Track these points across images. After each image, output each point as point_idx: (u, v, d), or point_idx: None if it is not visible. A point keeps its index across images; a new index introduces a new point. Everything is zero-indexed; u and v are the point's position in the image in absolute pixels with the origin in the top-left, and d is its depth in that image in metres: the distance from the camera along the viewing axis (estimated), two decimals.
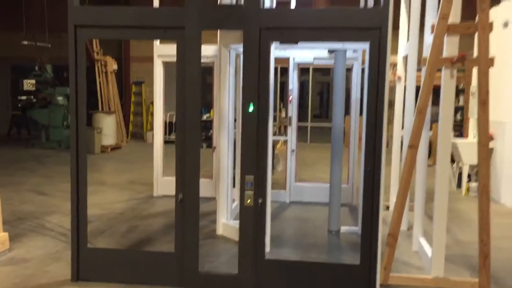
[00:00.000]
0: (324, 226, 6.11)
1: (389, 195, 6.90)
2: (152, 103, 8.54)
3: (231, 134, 5.96)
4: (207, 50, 6.86)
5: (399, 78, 6.67)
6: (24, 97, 14.03)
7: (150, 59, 7.98)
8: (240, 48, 4.93)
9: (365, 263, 3.96)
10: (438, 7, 4.21)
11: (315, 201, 7.38)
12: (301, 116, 18.47)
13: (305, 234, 6.01)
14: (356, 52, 6.87)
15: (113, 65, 14.64)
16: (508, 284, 4.52)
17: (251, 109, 3.92)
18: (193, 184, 4.03)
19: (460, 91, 11.46)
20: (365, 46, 5.52)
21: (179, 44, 3.97)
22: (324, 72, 22.23)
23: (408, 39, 6.04)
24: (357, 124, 6.96)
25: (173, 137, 12.33)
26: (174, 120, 4.20)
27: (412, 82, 5.81)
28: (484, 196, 4.11)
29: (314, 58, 7.11)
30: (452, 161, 9.01)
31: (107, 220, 6.30)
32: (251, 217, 4.00)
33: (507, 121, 7.60)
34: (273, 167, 8.42)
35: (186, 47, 3.94)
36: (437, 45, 4.08)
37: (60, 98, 13.23)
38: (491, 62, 4.03)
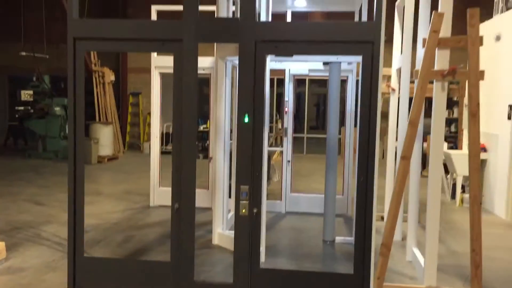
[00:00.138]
0: (319, 236, 6.17)
1: (384, 206, 6.94)
2: (149, 113, 8.63)
3: (227, 145, 6.03)
4: (204, 62, 6.97)
5: (393, 90, 6.77)
6: (21, 108, 14.07)
7: (147, 70, 8.06)
8: (236, 60, 5.01)
9: (359, 272, 4.01)
10: (430, 22, 4.31)
11: (310, 211, 7.44)
12: (298, 128, 18.64)
13: (300, 244, 6.06)
14: (351, 64, 6.99)
15: (110, 76, 14.72)
16: None
17: (246, 120, 3.99)
18: (189, 193, 4.09)
19: (455, 103, 11.59)
20: (359, 58, 5.62)
21: (177, 56, 4.05)
22: (320, 84, 22.39)
23: (401, 52, 6.15)
24: (352, 135, 7.04)
25: (169, 147, 12.39)
26: (171, 130, 4.27)
27: (405, 94, 5.90)
28: (475, 206, 4.17)
29: (310, 70, 7.23)
30: (446, 172, 9.09)
31: (103, 230, 6.33)
32: (246, 227, 4.06)
33: (499, 134, 7.70)
34: (269, 178, 8.48)
35: (183, 59, 4.02)
36: (428, 58, 4.17)
37: (57, 109, 13.28)
38: (481, 75, 4.12)
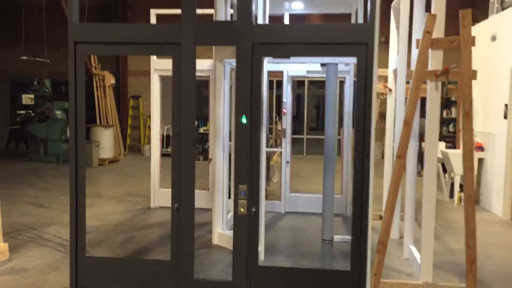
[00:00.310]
0: (318, 235, 6.24)
1: (382, 205, 7.02)
2: (149, 116, 8.71)
3: (226, 146, 6.10)
4: (203, 64, 7.05)
5: (390, 90, 6.85)
6: (23, 112, 14.17)
7: (147, 73, 8.13)
8: (234, 62, 5.10)
9: (356, 269, 4.08)
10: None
11: (309, 211, 7.51)
12: (298, 129, 18.69)
13: (299, 243, 6.13)
14: (348, 65, 7.07)
15: (111, 80, 14.82)
16: None
17: (244, 121, 4.07)
18: (189, 193, 4.16)
19: (453, 103, 11.66)
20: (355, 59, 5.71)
21: (175, 60, 4.14)
22: (320, 85, 22.45)
23: (398, 53, 6.23)
24: (350, 135, 7.12)
25: (170, 150, 12.47)
26: (171, 133, 4.35)
27: (401, 95, 5.98)
28: (470, 204, 4.25)
29: (308, 72, 7.32)
30: (445, 171, 9.17)
31: (104, 231, 6.41)
32: (245, 225, 4.13)
33: (496, 133, 7.77)
34: (269, 179, 8.56)
35: (182, 62, 4.10)
36: (422, 59, 4.26)
37: (58, 112, 13.38)
38: (474, 74, 4.20)
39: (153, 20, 7.87)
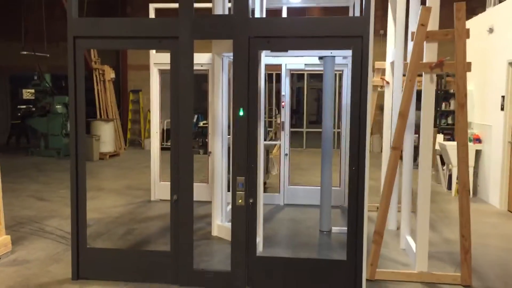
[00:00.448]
0: (316, 227, 6.32)
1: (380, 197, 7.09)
2: (149, 110, 8.76)
3: (225, 140, 6.16)
4: (202, 58, 7.09)
5: (388, 83, 6.89)
6: (23, 106, 14.24)
7: (147, 67, 8.17)
8: (232, 56, 5.15)
9: (352, 259, 4.16)
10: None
11: (308, 203, 7.58)
12: (298, 122, 18.73)
13: (297, 234, 6.21)
14: (346, 58, 7.11)
15: (110, 74, 14.86)
16: (491, 278, 4.72)
17: (241, 113, 4.14)
18: (187, 185, 4.24)
19: (452, 95, 11.69)
20: None
21: (173, 53, 4.20)
22: (320, 79, 22.41)
23: (395, 46, 6.27)
24: (348, 128, 7.16)
25: (169, 143, 12.52)
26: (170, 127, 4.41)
27: (398, 87, 6.03)
28: (464, 194, 4.33)
29: (306, 65, 7.36)
30: (443, 163, 9.23)
31: (105, 224, 6.49)
32: (243, 216, 4.21)
33: (493, 124, 7.83)
34: (268, 171, 8.63)
35: (180, 56, 4.16)
36: (417, 52, 4.31)
37: (58, 107, 13.44)
38: (468, 66, 4.26)
39: (152, 15, 7.90)
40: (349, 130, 4.12)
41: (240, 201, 4.19)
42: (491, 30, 7.94)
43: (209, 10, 6.27)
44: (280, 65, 7.54)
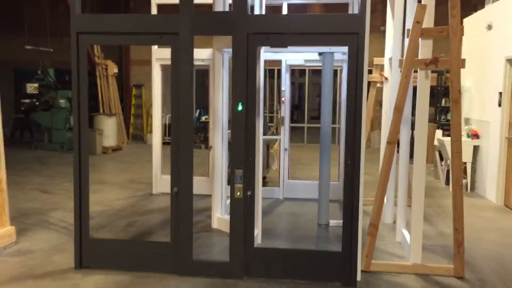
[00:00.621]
0: (314, 220, 6.43)
1: None
2: (151, 105, 8.86)
3: (225, 134, 6.26)
4: (203, 54, 7.19)
5: (386, 79, 6.98)
6: (27, 100, 14.37)
7: (149, 63, 8.26)
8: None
9: (347, 250, 4.27)
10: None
11: (307, 197, 7.69)
12: (299, 118, 18.81)
13: (296, 227, 6.32)
14: (345, 54, 7.18)
15: (113, 69, 14.98)
16: (485, 271, 4.82)
17: (240, 108, 4.24)
18: (187, 178, 4.36)
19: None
20: None
21: (174, 49, 4.30)
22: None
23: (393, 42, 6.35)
24: None
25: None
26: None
27: (396, 83, 6.10)
28: (457, 187, 4.43)
29: (305, 61, 7.46)
30: (442, 159, 9.32)
31: (107, 216, 6.61)
32: (241, 209, 4.32)
33: (491, 120, 7.91)
34: (268, 166, 8.74)
35: (180, 51, 4.26)
36: (412, 48, 4.41)
37: (62, 101, 13.55)
38: (462, 63, 4.35)
39: (154, 11, 7.99)
40: (345, 124, 4.22)
41: (238, 193, 4.30)
42: (489, 27, 8.01)
43: (210, 6, 6.38)
44: (280, 61, 7.63)
